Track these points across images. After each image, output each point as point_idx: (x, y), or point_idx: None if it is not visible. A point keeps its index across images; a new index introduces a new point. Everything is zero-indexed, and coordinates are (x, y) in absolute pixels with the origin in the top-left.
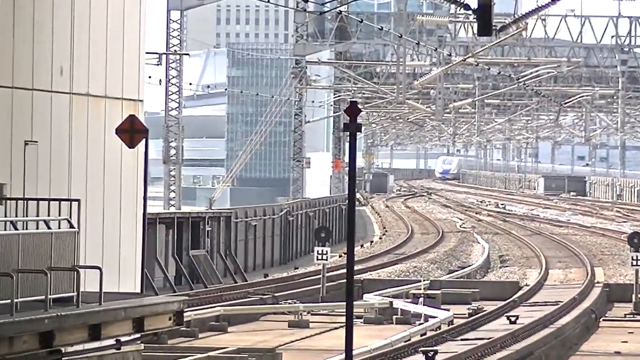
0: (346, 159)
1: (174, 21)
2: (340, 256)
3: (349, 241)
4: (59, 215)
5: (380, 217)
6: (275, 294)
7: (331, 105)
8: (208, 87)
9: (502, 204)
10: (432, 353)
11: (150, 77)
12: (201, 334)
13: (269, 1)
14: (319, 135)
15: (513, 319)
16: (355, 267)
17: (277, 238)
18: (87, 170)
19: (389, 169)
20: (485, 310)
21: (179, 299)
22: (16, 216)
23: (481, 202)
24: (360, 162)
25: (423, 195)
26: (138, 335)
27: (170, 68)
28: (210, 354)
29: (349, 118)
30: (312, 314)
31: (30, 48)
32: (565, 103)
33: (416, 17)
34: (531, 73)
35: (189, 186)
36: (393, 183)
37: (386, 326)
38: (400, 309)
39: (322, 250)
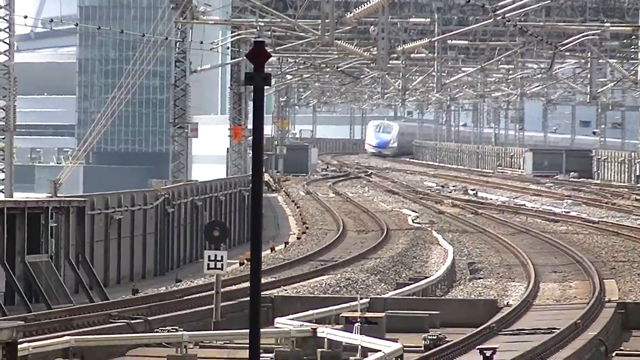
0: (250, 126)
1: None
2: (242, 264)
3: (253, 242)
4: None
5: (298, 208)
6: (149, 318)
7: (228, 48)
8: (51, 21)
9: (472, 190)
10: None
11: None
12: None
13: None
14: (211, 91)
15: (488, 353)
16: (264, 280)
17: (150, 238)
18: None
19: (310, 139)
20: (449, 342)
21: (11, 325)
22: None
23: (443, 186)
24: (269, 129)
25: (360, 177)
26: None
27: None
28: None
29: (253, 66)
30: (200, 347)
31: None
32: (563, 45)
33: None
34: (514, 2)
35: (25, 164)
36: (317, 160)
37: None
38: (327, 339)
39: (216, 256)
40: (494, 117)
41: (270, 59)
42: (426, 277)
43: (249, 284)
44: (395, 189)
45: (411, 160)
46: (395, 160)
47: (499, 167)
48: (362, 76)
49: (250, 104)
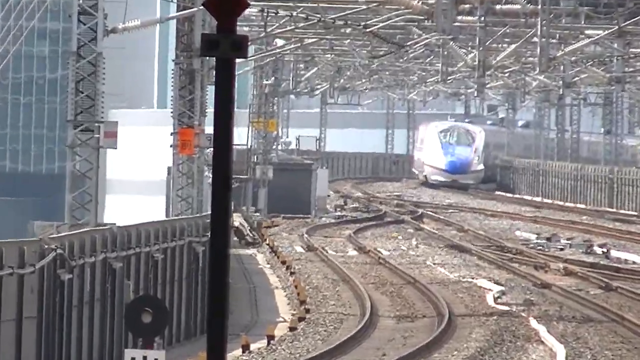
0: (209, 129)
1: None
2: None
3: (212, 336)
4: None
5: (293, 274)
6: None
7: None
8: None
9: (602, 246)
10: None
11: None
12: None
13: None
14: (142, 67)
15: None
16: None
17: (29, 325)
18: None
19: (316, 152)
20: None
21: None
22: None
23: (549, 239)
24: (242, 135)
25: (402, 221)
26: None
27: None
28: None
29: (216, 23)
30: None
31: None
32: None
33: None
34: None
35: None
36: (326, 189)
37: None
38: None
39: (146, 358)
40: (638, 117)
41: (247, 11)
42: None
43: None
44: (463, 243)
45: (494, 193)
46: (465, 193)
47: None
48: (408, 43)
49: (211, 89)
